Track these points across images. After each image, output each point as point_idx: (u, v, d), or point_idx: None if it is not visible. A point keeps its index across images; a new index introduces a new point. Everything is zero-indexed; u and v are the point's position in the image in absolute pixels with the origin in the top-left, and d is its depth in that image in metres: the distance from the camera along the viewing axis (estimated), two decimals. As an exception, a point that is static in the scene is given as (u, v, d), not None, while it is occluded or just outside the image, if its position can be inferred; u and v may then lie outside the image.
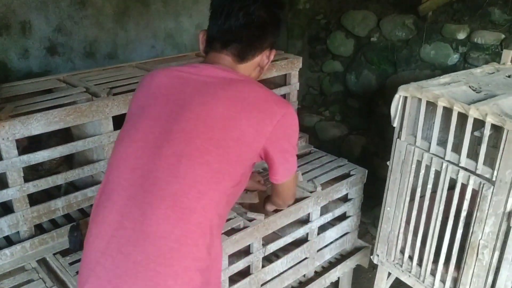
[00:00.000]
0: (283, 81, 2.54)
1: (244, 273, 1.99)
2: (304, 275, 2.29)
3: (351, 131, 3.43)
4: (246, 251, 1.97)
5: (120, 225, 1.08)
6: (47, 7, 2.49)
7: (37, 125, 1.64)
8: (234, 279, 1.95)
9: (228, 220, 1.91)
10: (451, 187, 1.71)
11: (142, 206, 1.09)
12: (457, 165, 1.65)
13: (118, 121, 1.90)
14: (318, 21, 3.55)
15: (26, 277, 1.60)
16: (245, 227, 1.89)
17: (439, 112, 1.67)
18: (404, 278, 1.96)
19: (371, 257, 2.07)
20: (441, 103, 1.64)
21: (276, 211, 1.98)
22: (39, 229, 1.81)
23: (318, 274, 2.33)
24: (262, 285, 2.05)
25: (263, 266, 2.03)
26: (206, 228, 1.11)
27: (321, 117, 3.57)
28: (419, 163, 1.80)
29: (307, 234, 2.18)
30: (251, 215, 1.94)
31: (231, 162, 1.15)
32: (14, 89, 1.88)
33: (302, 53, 3.70)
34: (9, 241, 1.74)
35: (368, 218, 3.16)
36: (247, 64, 1.30)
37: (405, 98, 1.78)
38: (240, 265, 1.91)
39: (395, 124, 1.85)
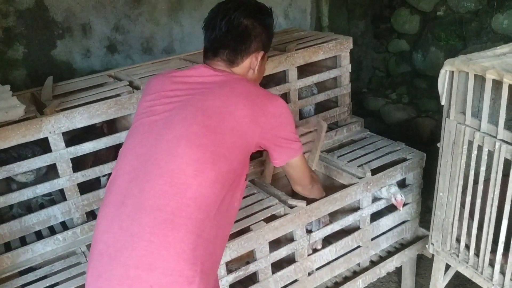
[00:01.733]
0: (335, 63, 2.45)
1: (290, 260, 1.96)
2: (358, 264, 2.21)
3: (419, 113, 3.22)
4: (291, 239, 1.94)
5: (121, 204, 1.17)
6: (104, 8, 2.63)
7: (80, 119, 1.74)
8: (278, 266, 1.93)
9: (268, 207, 1.89)
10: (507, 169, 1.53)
11: (141, 184, 1.17)
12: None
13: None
14: (382, -2, 3.37)
15: (75, 260, 1.72)
16: (286, 214, 1.85)
17: (488, 86, 1.50)
18: (462, 269, 1.80)
19: (426, 246, 1.93)
20: (489, 76, 1.47)
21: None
22: (92, 215, 1.92)
23: (373, 264, 2.23)
24: (309, 273, 2.01)
25: (310, 254, 1.98)
26: (202, 204, 1.15)
27: (387, 100, 3.39)
28: (470, 143, 1.64)
29: (359, 222, 2.09)
30: (292, 201, 1.90)
31: (227, 147, 1.23)
32: (67, 87, 2.02)
33: (366, 33, 3.54)
34: (64, 227, 1.87)
35: (439, 205, 2.95)
36: (239, 67, 1.43)
37: (452, 72, 1.63)
38: (282, 252, 1.89)
39: (443, 101, 1.70)
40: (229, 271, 1.78)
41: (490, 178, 1.58)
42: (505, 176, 1.54)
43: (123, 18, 2.70)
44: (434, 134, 3.07)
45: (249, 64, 1.44)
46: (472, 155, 1.64)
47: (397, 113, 3.27)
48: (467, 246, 1.78)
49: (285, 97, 2.31)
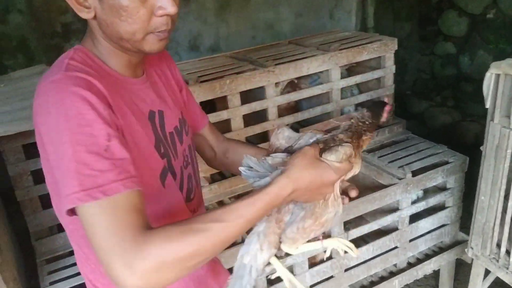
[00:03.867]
0: (379, 64, 2.46)
1: (327, 257, 1.99)
2: (395, 265, 2.21)
3: (464, 117, 3.16)
4: (328, 235, 1.97)
5: None
6: (155, 6, 2.74)
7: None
8: (315, 262, 1.97)
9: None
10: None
11: None
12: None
13: (206, 107, 2.04)
14: (429, 0, 3.33)
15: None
16: (324, 211, 1.88)
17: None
18: (501, 275, 1.78)
19: (466, 250, 1.92)
20: (537, 79, 1.46)
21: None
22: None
23: (410, 265, 2.23)
24: (345, 270, 2.03)
25: (346, 252, 2.00)
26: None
27: (431, 103, 3.35)
28: (515, 147, 1.62)
29: (397, 222, 2.10)
30: (331, 199, 1.93)
31: None
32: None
33: (412, 35, 3.51)
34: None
35: (481, 211, 2.89)
36: None
37: (498, 75, 1.62)
38: (320, 248, 1.92)
39: (488, 105, 1.68)
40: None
41: (534, 183, 1.56)
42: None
43: (172, 16, 2.80)
44: (479, 138, 3.00)
45: None
46: (517, 159, 1.63)
47: (441, 116, 3.23)
48: (508, 252, 1.75)
49: (327, 96, 2.34)
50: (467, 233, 2.40)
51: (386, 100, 1.06)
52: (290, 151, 0.96)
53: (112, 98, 0.85)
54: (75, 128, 0.76)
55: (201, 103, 1.97)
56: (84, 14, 0.87)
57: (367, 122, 1.00)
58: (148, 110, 0.97)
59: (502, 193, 1.71)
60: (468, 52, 3.05)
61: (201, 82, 2.00)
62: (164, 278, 0.72)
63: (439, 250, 2.31)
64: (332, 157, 0.90)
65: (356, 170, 0.98)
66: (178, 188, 1.02)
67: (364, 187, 2.37)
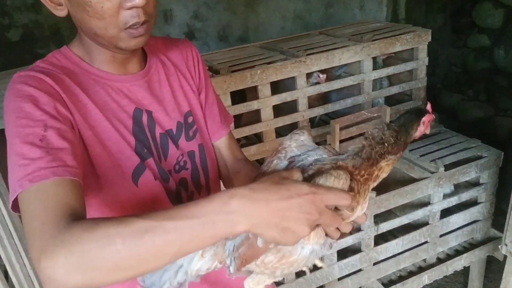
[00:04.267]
0: (411, 56, 2.41)
1: (356, 250, 1.97)
2: (424, 260, 2.18)
3: (498, 112, 3.08)
4: (358, 228, 1.95)
5: None
6: (185, -4, 2.75)
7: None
8: (343, 254, 1.95)
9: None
10: None
11: None
12: None
13: (237, 96, 2.04)
14: (463, -9, 3.25)
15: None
16: (354, 203, 1.87)
17: None
18: (537, 273, 1.74)
19: (499, 246, 1.87)
20: None
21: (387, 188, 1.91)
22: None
23: (440, 261, 2.19)
24: (374, 263, 2.01)
25: (376, 245, 1.99)
26: None
27: (462, 96, 3.27)
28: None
29: (428, 217, 2.06)
30: (361, 191, 1.90)
31: None
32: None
33: (444, 27, 3.43)
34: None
35: None
36: None
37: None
38: (349, 240, 1.91)
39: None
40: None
41: None
42: None
43: (202, 6, 2.80)
44: (513, 134, 2.94)
45: None
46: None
47: (474, 110, 3.15)
48: (545, 249, 1.70)
49: (358, 87, 2.31)
50: (499, 230, 2.35)
51: (427, 107, 0.82)
52: (293, 161, 0.79)
53: (70, 94, 0.86)
54: (14, 121, 0.78)
55: (232, 93, 1.97)
56: (58, 12, 0.87)
57: (387, 143, 0.77)
58: (134, 108, 0.95)
59: (541, 189, 1.66)
60: (504, 44, 2.97)
61: (232, 72, 1.99)
62: (83, 271, 0.62)
63: (470, 246, 2.27)
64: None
65: (357, 212, 0.73)
66: (163, 191, 0.96)
67: (395, 180, 2.33)
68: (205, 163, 1.07)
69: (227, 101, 1.97)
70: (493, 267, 2.52)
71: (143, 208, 0.93)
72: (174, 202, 0.98)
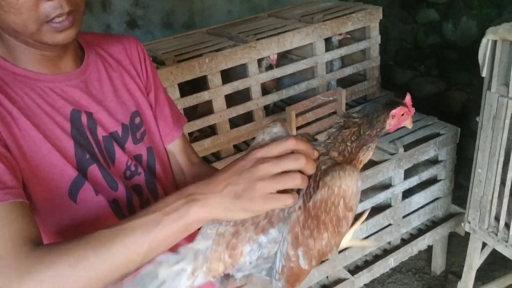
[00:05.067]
0: (363, 35, 2.35)
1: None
2: (389, 243, 2.15)
3: (450, 86, 3.10)
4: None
5: None
6: (123, -18, 2.56)
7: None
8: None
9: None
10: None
11: None
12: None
13: (189, 87, 1.91)
14: (410, -34, 3.22)
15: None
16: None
17: (537, 54, 1.40)
18: (500, 248, 1.73)
19: (462, 224, 1.86)
20: (539, 44, 1.37)
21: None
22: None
23: (404, 242, 2.17)
24: (340, 251, 1.96)
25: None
26: None
27: (415, 72, 3.27)
28: (514, 117, 1.55)
29: (390, 199, 2.03)
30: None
31: None
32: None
33: (393, 3, 3.40)
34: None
35: (469, 181, 2.86)
36: None
37: (495, 42, 1.52)
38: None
39: (484, 73, 1.60)
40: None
41: (535, 154, 1.49)
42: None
43: (142, -8, 2.63)
44: (466, 107, 2.96)
45: None
46: (516, 129, 1.55)
47: (427, 86, 3.16)
48: (507, 225, 1.70)
49: (312, 70, 2.23)
50: (459, 205, 2.36)
51: (406, 99, 0.72)
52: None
53: None
54: None
55: (180, 85, 1.84)
56: None
57: (350, 143, 0.70)
58: (71, 109, 0.83)
59: (500, 165, 1.64)
60: (452, 18, 2.97)
61: (178, 62, 1.86)
62: None
63: (432, 224, 2.26)
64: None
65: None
66: (107, 205, 0.84)
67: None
68: (153, 168, 0.96)
69: (175, 93, 1.84)
70: (455, 242, 2.54)
71: (86, 228, 0.81)
72: (122, 213, 0.87)
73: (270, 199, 0.64)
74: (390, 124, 0.71)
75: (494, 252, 1.88)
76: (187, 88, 1.91)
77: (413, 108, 0.73)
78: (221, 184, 0.65)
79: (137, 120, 0.94)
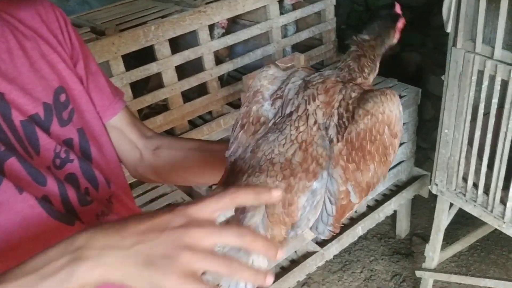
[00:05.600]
0: (316, -4, 2.23)
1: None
2: (355, 211, 2.10)
3: (403, 47, 3.05)
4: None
5: None
6: None
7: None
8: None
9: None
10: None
11: None
12: (531, 70, 1.34)
13: (133, 59, 1.73)
14: None
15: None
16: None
17: (504, 6, 1.33)
18: (469, 209, 1.71)
19: (429, 187, 1.83)
20: (507, -6, 1.30)
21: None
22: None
23: (371, 209, 2.13)
24: (310, 228, 1.88)
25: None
26: None
27: (368, 36, 3.20)
28: (480, 73, 1.49)
29: (355, 166, 1.96)
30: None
31: None
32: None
33: (342, -35, 3.29)
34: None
35: (428, 142, 2.86)
36: None
37: (460, -5, 1.45)
38: (279, 206, 1.74)
39: (449, 29, 1.52)
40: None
41: (504, 110, 1.45)
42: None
43: (74, -43, 2.37)
44: (421, 69, 2.93)
45: None
46: (483, 86, 1.50)
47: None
48: (475, 185, 1.67)
49: (267, 36, 2.10)
50: (420, 167, 2.35)
51: (397, 8, 0.67)
52: (278, 97, 0.66)
53: None
54: None
55: (125, 56, 1.66)
56: None
57: (369, 63, 0.67)
58: None
59: (468, 124, 1.59)
60: (403, -22, 2.89)
61: (121, 31, 1.67)
62: None
63: (396, 188, 2.23)
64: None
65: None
66: (36, 203, 0.68)
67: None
68: (88, 152, 0.79)
69: (119, 67, 1.66)
70: (417, 204, 2.54)
71: (14, 235, 0.65)
72: (56, 210, 0.70)
73: (192, 281, 0.46)
74: (396, 37, 0.69)
75: (462, 212, 1.88)
76: (133, 61, 1.73)
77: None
78: (129, 239, 0.47)
79: (63, 97, 0.76)
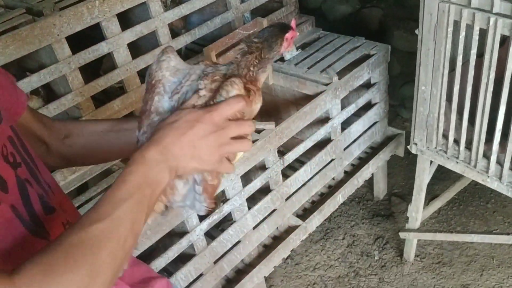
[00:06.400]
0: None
1: (265, 190, 1.72)
2: (333, 178, 2.03)
3: (364, 4, 2.95)
4: (262, 167, 1.69)
5: None
6: None
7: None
8: (255, 197, 1.69)
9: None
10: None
11: None
12: (511, 17, 1.26)
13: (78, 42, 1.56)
14: None
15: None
16: (254, 141, 1.58)
17: None
18: (451, 166, 1.66)
19: (408, 146, 1.76)
20: None
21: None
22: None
23: (349, 174, 2.06)
24: (287, 198, 1.80)
25: (285, 178, 1.76)
26: None
27: (326, -6, 3.07)
28: (457, 24, 1.40)
29: (330, 133, 1.87)
30: (259, 125, 1.62)
31: None
32: None
33: None
34: None
35: (396, 99, 2.81)
36: None
37: None
38: (257, 184, 1.64)
39: (420, -22, 1.42)
40: (202, 218, 1.52)
41: (484, 61, 1.37)
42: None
43: None
44: (384, 24, 2.84)
45: None
46: (460, 37, 1.42)
47: (341, 7, 2.98)
48: (456, 141, 1.61)
49: (224, 2, 1.94)
50: (393, 126, 2.29)
51: (291, 23, 0.76)
52: (177, 92, 0.72)
53: None
54: None
55: (69, 39, 1.48)
56: None
57: (252, 67, 0.73)
58: None
59: (446, 79, 1.52)
60: None
61: (61, 9, 1.49)
62: None
63: (372, 150, 2.17)
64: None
65: (257, 107, 0.74)
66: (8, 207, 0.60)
67: (285, 102, 2.10)
68: (28, 152, 0.70)
69: (64, 50, 1.48)
70: (392, 163, 2.49)
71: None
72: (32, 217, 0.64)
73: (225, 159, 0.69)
74: (284, 46, 0.76)
75: (441, 169, 1.83)
76: (78, 43, 1.55)
77: (297, 32, 0.77)
78: (186, 151, 0.65)
79: None
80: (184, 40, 1.83)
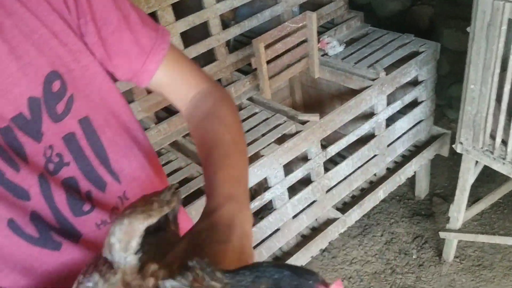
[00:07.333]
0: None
1: (306, 181, 1.75)
2: (375, 174, 2.03)
3: (414, 1, 2.91)
4: (304, 158, 1.72)
5: None
6: None
7: None
8: (295, 188, 1.73)
9: (276, 126, 1.65)
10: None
11: None
12: None
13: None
14: None
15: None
16: (298, 132, 1.62)
17: None
18: (497, 167, 1.63)
19: (453, 146, 1.74)
20: None
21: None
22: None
23: (391, 171, 2.06)
24: (327, 191, 1.82)
25: (326, 171, 1.78)
26: None
27: (377, -10, 3.05)
28: (511, 22, 1.38)
29: (374, 128, 1.87)
30: (303, 116, 1.65)
31: None
32: None
33: None
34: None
35: (443, 99, 2.76)
36: None
37: None
38: (298, 174, 1.67)
39: (475, -25, 1.41)
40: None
41: (538, 61, 1.35)
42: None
43: None
44: (434, 22, 2.79)
45: None
46: (514, 36, 1.39)
47: (390, 3, 2.95)
48: (504, 142, 1.59)
49: (274, -4, 1.98)
50: (439, 126, 2.26)
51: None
52: None
53: None
54: None
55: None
56: None
57: None
58: None
59: (496, 79, 1.50)
60: None
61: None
62: None
63: (415, 149, 2.15)
64: None
65: None
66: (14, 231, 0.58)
67: (331, 96, 2.11)
68: (98, 143, 0.66)
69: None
70: (435, 162, 2.46)
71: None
72: (44, 225, 0.61)
73: None
74: None
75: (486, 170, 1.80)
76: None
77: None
78: None
79: (56, 85, 0.60)
80: (234, 31, 1.88)
